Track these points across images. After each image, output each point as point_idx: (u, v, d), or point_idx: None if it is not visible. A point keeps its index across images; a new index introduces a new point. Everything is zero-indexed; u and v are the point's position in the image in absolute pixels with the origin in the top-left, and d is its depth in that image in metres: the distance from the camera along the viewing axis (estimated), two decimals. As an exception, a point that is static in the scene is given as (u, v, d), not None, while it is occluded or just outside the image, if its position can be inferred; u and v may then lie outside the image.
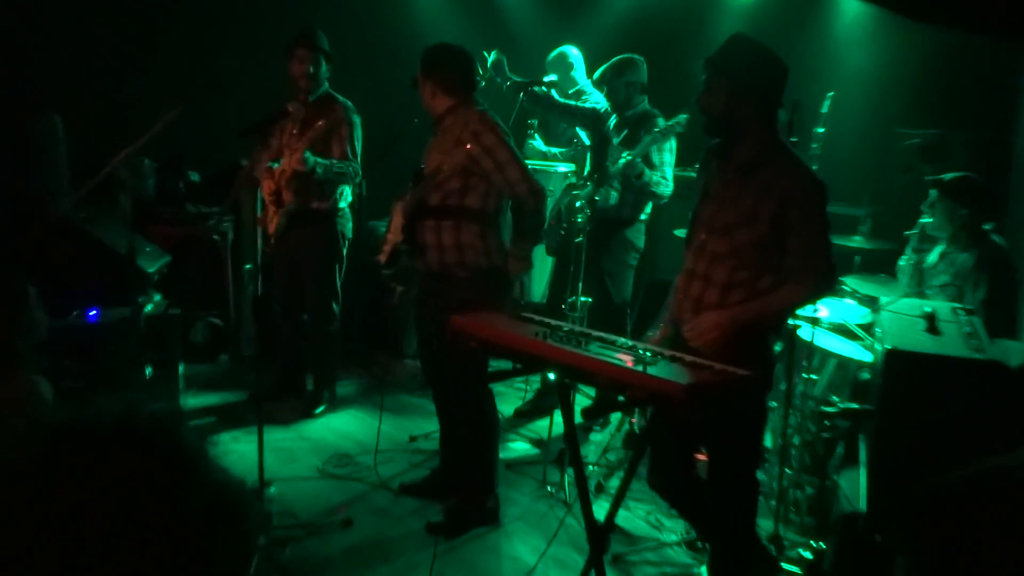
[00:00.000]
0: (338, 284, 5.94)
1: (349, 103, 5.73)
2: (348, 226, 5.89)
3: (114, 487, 0.95)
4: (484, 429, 4.67)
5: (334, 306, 5.95)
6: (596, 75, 6.02)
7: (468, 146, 4.28)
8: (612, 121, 5.91)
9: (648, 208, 5.98)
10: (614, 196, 5.73)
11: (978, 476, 1.18)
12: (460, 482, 4.74)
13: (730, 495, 3.69)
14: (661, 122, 5.57)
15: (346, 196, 5.82)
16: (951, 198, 4.64)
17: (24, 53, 6.21)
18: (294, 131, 5.54)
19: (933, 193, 4.74)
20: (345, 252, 5.92)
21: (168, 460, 1.01)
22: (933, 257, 4.80)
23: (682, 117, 5.30)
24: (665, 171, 5.68)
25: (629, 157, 5.42)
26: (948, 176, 4.79)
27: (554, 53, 6.54)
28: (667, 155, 5.71)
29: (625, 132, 5.75)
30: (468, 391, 4.58)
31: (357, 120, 5.69)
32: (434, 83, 4.46)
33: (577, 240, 5.44)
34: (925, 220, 4.82)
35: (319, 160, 5.45)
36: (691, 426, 3.63)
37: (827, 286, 3.55)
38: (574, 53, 6.55)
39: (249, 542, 1.08)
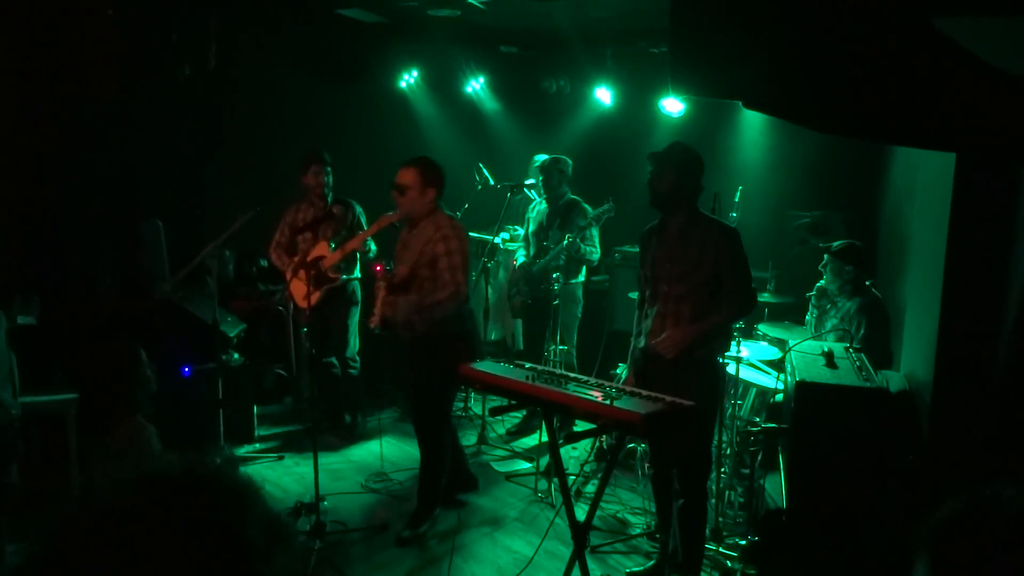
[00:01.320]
0: (356, 335, 5.80)
1: (355, 203, 5.65)
2: (359, 292, 5.77)
3: (183, 523, 0.88)
4: (445, 455, 4.52)
5: (356, 353, 5.83)
6: (536, 164, 5.97)
7: (440, 244, 4.18)
8: (543, 208, 5.86)
9: (583, 272, 5.96)
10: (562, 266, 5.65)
11: (976, 508, 1.07)
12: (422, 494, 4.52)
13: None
14: (589, 209, 5.59)
15: (357, 271, 5.72)
16: (839, 259, 4.64)
17: (134, 175, 6.18)
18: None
19: (826, 256, 4.72)
20: (359, 310, 5.78)
21: (228, 498, 0.93)
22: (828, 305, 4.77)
23: (610, 205, 5.36)
24: (594, 242, 5.70)
25: (570, 238, 5.43)
26: (836, 244, 4.79)
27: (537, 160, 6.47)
28: (594, 230, 5.72)
29: (558, 219, 5.72)
30: (439, 425, 4.48)
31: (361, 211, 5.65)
32: (434, 189, 4.28)
33: (555, 303, 5.35)
34: (820, 284, 4.79)
35: (369, 245, 5.40)
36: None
37: (750, 304, 3.77)
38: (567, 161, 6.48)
39: (296, 559, 0.98)
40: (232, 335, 5.78)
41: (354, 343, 5.82)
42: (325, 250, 5.40)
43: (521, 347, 6.57)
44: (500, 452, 5.68)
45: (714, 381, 3.72)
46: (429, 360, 4.28)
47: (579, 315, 6.01)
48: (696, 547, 3.70)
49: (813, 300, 4.85)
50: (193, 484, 0.93)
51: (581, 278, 5.98)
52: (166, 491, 0.92)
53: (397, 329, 4.32)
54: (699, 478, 3.71)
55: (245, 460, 5.42)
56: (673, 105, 6.63)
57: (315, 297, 5.39)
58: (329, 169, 5.57)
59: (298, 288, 5.44)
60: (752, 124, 6.76)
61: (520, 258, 6.03)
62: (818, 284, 4.79)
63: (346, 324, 5.74)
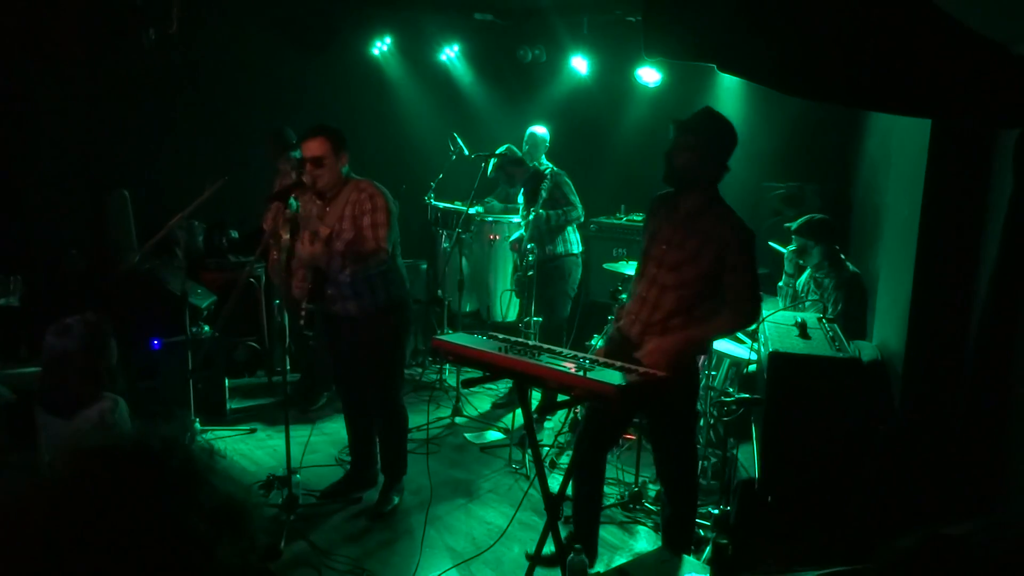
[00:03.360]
0: None
1: None
2: None
3: (128, 500, 0.84)
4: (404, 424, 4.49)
5: None
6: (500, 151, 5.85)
7: (368, 203, 4.00)
8: (521, 191, 5.84)
9: (576, 243, 5.84)
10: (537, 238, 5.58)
11: (931, 544, 1.00)
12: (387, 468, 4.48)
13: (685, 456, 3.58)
14: (549, 177, 5.55)
15: None
16: (800, 236, 4.61)
17: (100, 144, 6.04)
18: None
19: (794, 237, 4.69)
20: None
21: (176, 477, 0.89)
22: (803, 280, 4.74)
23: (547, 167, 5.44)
24: (572, 200, 5.61)
25: (535, 211, 5.40)
26: (795, 223, 4.72)
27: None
28: (565, 188, 5.67)
29: (529, 193, 5.68)
30: (395, 400, 4.40)
31: None
32: (345, 154, 4.07)
33: (530, 274, 5.33)
34: (788, 250, 4.76)
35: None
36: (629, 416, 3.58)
37: (752, 316, 3.36)
38: (540, 132, 6.37)
39: (251, 542, 0.93)
40: (203, 307, 5.70)
41: None
42: None
43: (498, 319, 6.55)
44: (475, 424, 5.67)
45: (691, 383, 3.49)
46: (373, 338, 4.17)
47: (569, 292, 5.85)
48: (681, 540, 3.61)
49: (788, 268, 4.83)
50: (138, 462, 0.88)
51: (576, 249, 5.83)
52: (107, 467, 0.87)
53: (331, 308, 4.17)
54: (681, 476, 3.57)
55: (210, 440, 5.34)
56: (650, 75, 6.56)
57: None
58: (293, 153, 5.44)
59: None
60: (728, 95, 6.71)
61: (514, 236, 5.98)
62: (786, 249, 4.78)
63: None
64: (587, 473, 3.68)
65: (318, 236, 3.95)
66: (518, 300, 6.27)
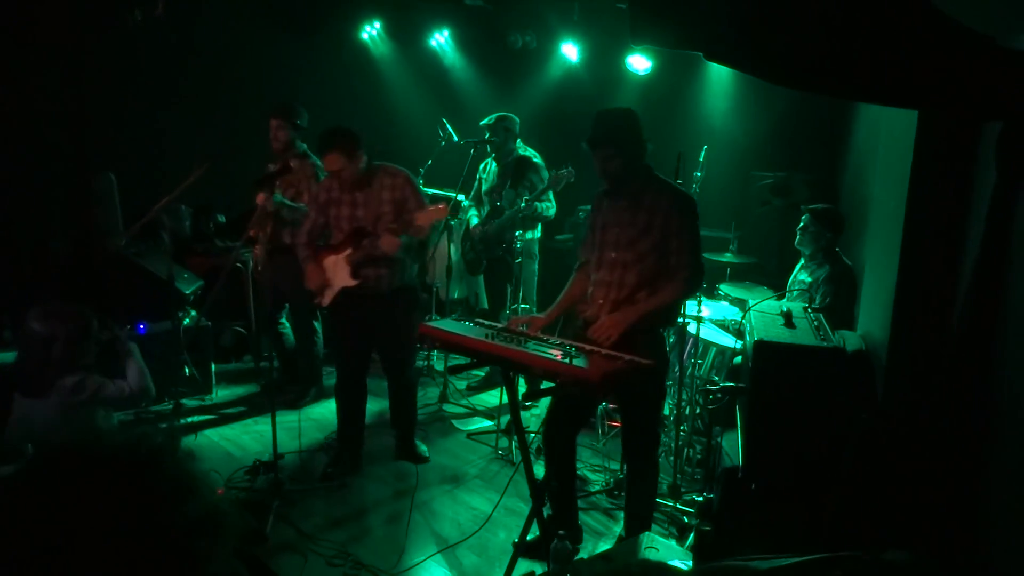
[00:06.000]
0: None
1: (317, 159, 5.29)
2: None
3: (114, 512, 0.83)
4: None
5: (314, 323, 5.69)
6: (482, 124, 5.81)
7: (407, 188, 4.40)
8: (494, 167, 5.79)
9: (539, 227, 5.92)
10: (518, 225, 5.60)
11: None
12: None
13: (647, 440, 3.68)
14: (542, 163, 5.59)
15: None
16: (820, 223, 4.52)
17: (86, 126, 5.97)
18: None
19: (806, 217, 4.60)
20: None
21: (161, 483, 0.88)
22: (796, 271, 4.73)
23: (569, 170, 5.23)
24: (550, 198, 5.60)
25: (527, 200, 5.39)
26: (820, 206, 4.63)
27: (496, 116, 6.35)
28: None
29: (510, 178, 5.65)
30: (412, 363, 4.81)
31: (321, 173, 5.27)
32: (360, 151, 4.33)
33: (517, 261, 5.32)
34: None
35: (283, 200, 5.10)
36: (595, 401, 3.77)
37: (697, 281, 3.55)
38: (515, 116, 6.37)
39: (229, 547, 0.93)
40: (189, 292, 5.68)
41: (311, 309, 5.65)
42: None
43: (485, 306, 6.54)
44: (461, 410, 5.68)
45: (657, 357, 3.43)
46: (403, 312, 4.50)
47: (536, 270, 5.96)
48: (644, 512, 3.72)
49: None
50: (127, 473, 0.87)
51: (537, 234, 5.92)
52: (93, 465, 0.86)
53: (370, 285, 4.36)
54: (647, 451, 3.67)
55: (197, 426, 5.34)
56: (640, 63, 6.55)
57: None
58: (288, 124, 5.31)
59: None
60: (718, 84, 6.72)
61: (473, 219, 5.95)
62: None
63: (301, 291, 5.54)
64: (554, 455, 3.77)
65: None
66: (481, 282, 6.24)
